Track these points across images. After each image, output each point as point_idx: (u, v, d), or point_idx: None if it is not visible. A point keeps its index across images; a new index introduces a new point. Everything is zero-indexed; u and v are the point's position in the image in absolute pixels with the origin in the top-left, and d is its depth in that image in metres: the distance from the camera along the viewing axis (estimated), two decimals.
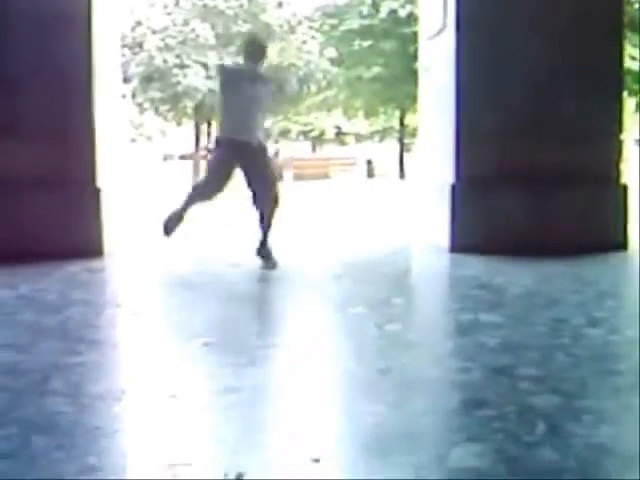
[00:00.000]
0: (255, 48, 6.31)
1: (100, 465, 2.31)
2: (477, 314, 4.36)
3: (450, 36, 7.06)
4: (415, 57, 11.42)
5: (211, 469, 2.30)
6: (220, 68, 7.04)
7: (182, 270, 6.25)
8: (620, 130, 7.17)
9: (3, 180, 6.61)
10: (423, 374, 3.25)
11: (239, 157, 6.01)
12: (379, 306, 4.70)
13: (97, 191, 6.77)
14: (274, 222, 6.12)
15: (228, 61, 29.18)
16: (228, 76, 6.32)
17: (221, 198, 6.23)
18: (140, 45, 29.68)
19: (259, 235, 6.13)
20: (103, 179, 6.93)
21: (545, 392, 2.95)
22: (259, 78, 6.18)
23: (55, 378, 3.17)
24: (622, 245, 6.92)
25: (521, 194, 6.92)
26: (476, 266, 6.15)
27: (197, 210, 6.21)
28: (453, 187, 6.99)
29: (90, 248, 6.61)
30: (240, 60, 6.85)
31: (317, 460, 2.33)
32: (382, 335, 3.98)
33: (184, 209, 6.06)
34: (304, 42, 31.19)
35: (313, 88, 32.22)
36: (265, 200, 6.01)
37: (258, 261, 6.11)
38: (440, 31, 7.39)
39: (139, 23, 30.10)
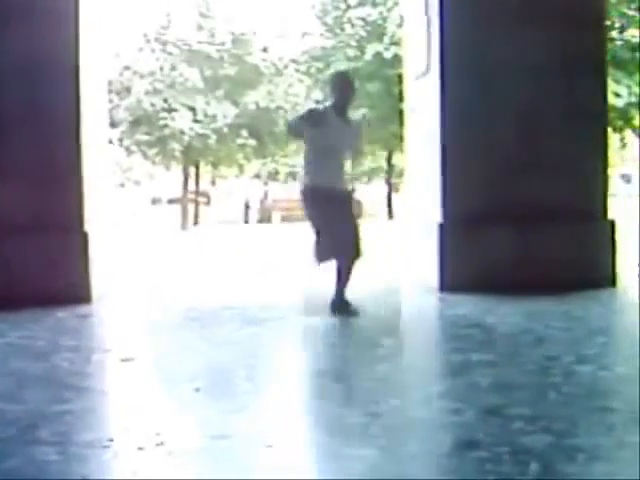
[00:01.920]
0: (344, 85, 5.88)
1: None
2: (468, 354, 4.34)
3: (435, 77, 7.13)
4: (400, 98, 11.53)
5: None
6: (306, 112, 5.99)
7: (172, 314, 6.21)
8: (606, 166, 7.22)
9: None
10: (414, 416, 3.23)
11: (322, 204, 5.64)
12: (369, 347, 4.67)
13: (85, 235, 6.75)
14: (353, 274, 5.72)
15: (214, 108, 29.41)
16: (310, 119, 5.71)
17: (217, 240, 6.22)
18: (128, 89, 29.88)
19: (334, 287, 5.72)
20: (91, 223, 6.92)
21: (537, 431, 2.93)
22: (346, 120, 5.84)
23: (43, 426, 3.13)
24: (611, 281, 6.93)
25: (509, 232, 6.93)
26: (466, 305, 6.14)
27: (189, 253, 6.19)
28: (441, 226, 7.00)
29: (78, 293, 6.57)
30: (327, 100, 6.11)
31: None
32: (372, 377, 3.95)
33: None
34: (291, 85, 31.48)
35: None
36: (346, 250, 5.64)
37: (334, 316, 5.67)
38: (425, 73, 7.47)
39: (127, 67, 30.35)
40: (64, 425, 3.16)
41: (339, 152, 5.82)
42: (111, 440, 2.97)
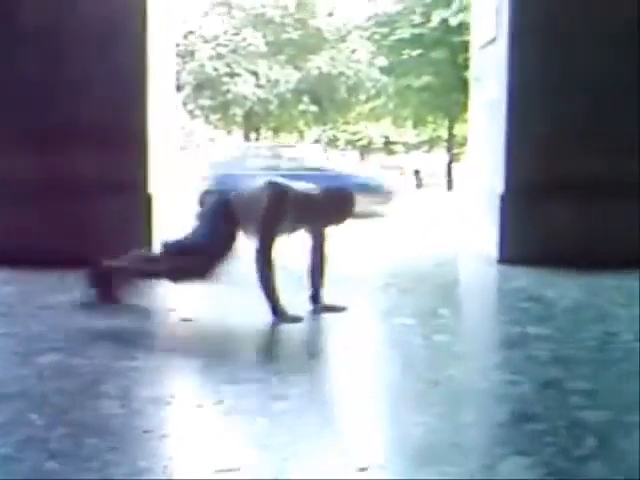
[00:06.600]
0: None
1: (149, 468, 2.35)
2: (526, 327, 4.32)
3: (502, 45, 7.02)
4: (465, 66, 11.38)
5: (258, 475, 2.33)
6: None
7: (234, 275, 6.28)
8: None
9: (56, 186, 6.74)
10: (471, 386, 3.24)
11: None
12: (426, 317, 4.68)
13: (149, 197, 6.87)
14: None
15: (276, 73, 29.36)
16: None
17: None
18: (192, 54, 30.06)
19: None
20: (154, 185, 7.03)
21: (595, 406, 2.91)
22: None
23: (108, 382, 3.23)
24: None
25: (571, 205, 6.84)
26: (525, 278, 6.09)
27: None
28: (502, 197, 6.94)
29: None
30: None
31: (364, 469, 2.33)
32: (429, 346, 3.97)
33: None
34: (354, 51, 31.25)
35: (362, 97, 32.29)
36: None
37: None
38: (492, 41, 7.35)
39: (191, 32, 30.49)
40: (128, 381, 3.26)
41: None
42: (172, 397, 3.05)
